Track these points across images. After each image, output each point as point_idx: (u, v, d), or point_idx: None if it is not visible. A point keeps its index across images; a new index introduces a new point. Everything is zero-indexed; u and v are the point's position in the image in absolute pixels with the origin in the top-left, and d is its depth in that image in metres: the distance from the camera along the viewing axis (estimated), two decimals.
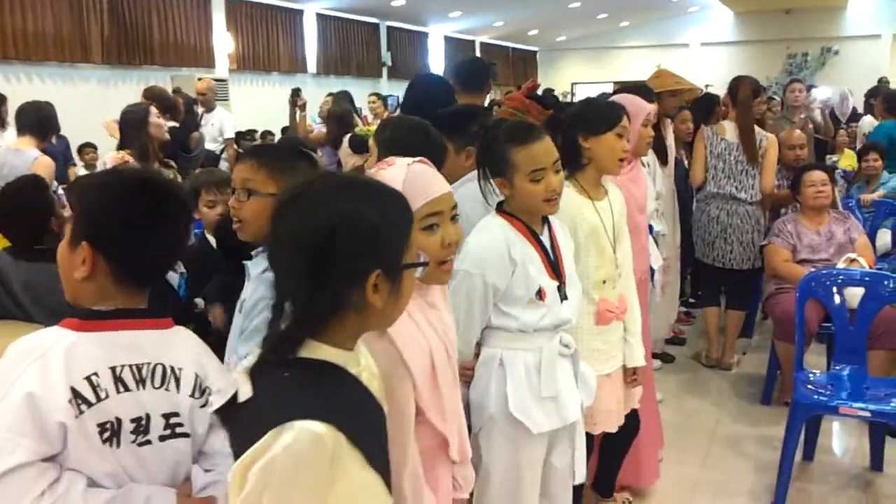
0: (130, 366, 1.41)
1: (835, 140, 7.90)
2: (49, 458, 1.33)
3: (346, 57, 15.01)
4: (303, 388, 1.19)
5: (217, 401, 1.35)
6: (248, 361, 1.25)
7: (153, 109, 4.17)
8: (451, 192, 1.67)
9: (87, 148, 8.32)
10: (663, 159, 4.59)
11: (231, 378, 1.44)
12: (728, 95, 5.02)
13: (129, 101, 4.63)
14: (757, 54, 19.64)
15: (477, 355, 2.22)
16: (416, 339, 1.59)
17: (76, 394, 1.34)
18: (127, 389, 1.40)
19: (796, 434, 3.36)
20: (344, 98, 7.29)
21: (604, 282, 2.61)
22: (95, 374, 1.37)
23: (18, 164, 4.26)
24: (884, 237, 5.62)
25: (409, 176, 1.59)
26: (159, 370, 1.44)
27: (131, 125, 4.09)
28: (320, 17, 14.23)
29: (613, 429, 2.69)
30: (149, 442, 1.42)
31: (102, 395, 1.36)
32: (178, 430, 1.46)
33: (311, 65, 14.09)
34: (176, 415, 1.46)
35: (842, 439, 4.10)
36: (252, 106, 12.23)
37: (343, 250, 1.18)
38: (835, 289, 3.74)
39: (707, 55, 20.27)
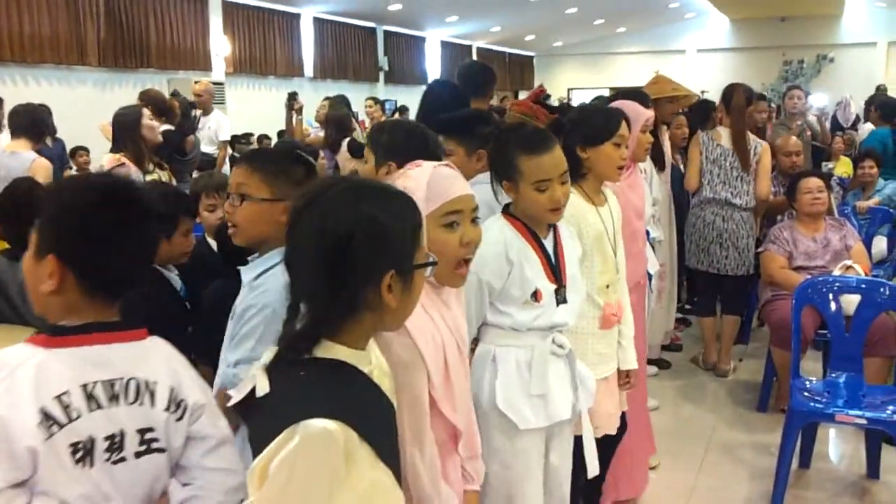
0: (103, 382, 1.36)
1: (831, 147, 7.92)
2: (19, 483, 1.28)
3: (343, 61, 15.01)
4: (317, 387, 1.24)
5: (235, 396, 1.34)
6: (265, 358, 1.31)
7: (146, 112, 4.16)
8: (473, 195, 1.73)
9: (80, 151, 8.29)
10: (660, 165, 4.59)
11: (206, 389, 1.49)
12: (722, 102, 5.04)
13: (126, 105, 4.62)
14: (753, 61, 19.72)
15: (473, 351, 2.25)
16: (431, 334, 1.66)
17: (46, 415, 1.29)
18: (100, 407, 1.35)
19: (793, 441, 3.36)
20: (341, 102, 7.29)
21: (607, 286, 2.64)
22: (66, 392, 1.32)
23: (15, 167, 4.25)
24: (879, 244, 5.64)
25: (433, 176, 1.67)
26: (133, 385, 1.40)
27: (124, 127, 4.08)
28: (317, 21, 14.24)
29: (613, 431, 2.70)
30: (123, 459, 1.38)
31: (74, 414, 1.32)
32: (154, 445, 1.43)
33: (308, 69, 14.09)
34: (151, 430, 1.42)
35: (838, 447, 4.10)
36: (248, 109, 12.21)
37: (360, 252, 1.24)
38: (831, 296, 3.75)
39: (703, 61, 20.34)
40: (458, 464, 1.82)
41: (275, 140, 10.49)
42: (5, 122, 5.24)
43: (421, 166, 1.72)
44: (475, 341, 2.26)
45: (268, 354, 1.31)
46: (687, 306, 5.89)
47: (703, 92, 13.18)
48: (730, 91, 4.95)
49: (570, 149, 2.62)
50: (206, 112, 7.01)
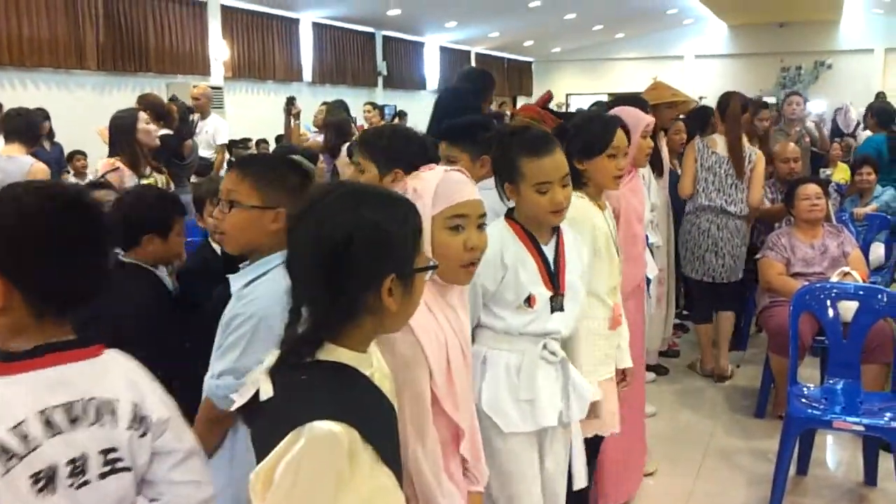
0: (61, 405, 1.29)
1: (829, 153, 7.94)
2: None
3: (342, 66, 15.03)
4: (320, 389, 1.25)
5: (238, 399, 1.32)
6: (268, 362, 1.31)
7: (142, 115, 4.14)
8: (481, 202, 1.75)
9: (77, 155, 8.29)
10: (658, 171, 4.60)
11: (169, 402, 1.45)
12: (717, 110, 5.06)
13: (124, 108, 4.61)
14: (751, 67, 19.78)
15: None
16: (434, 332, 1.68)
17: (3, 449, 1.22)
18: (59, 432, 1.28)
19: (790, 448, 3.36)
20: (340, 107, 7.29)
21: (613, 288, 2.72)
22: (23, 422, 1.24)
23: (13, 171, 4.23)
24: (877, 250, 5.64)
25: (443, 180, 1.71)
26: (93, 406, 1.33)
27: (120, 131, 4.07)
28: (316, 25, 14.26)
29: (617, 429, 2.72)
30: (87, 482, 1.32)
31: (33, 444, 1.25)
32: (118, 465, 1.37)
33: (307, 73, 14.10)
34: (114, 450, 1.35)
35: (836, 453, 4.10)
36: (247, 114, 12.22)
37: (359, 257, 1.26)
38: (829, 302, 3.75)
39: (701, 67, 20.39)
40: (461, 464, 1.82)
41: (273, 145, 10.49)
42: None
43: (433, 169, 1.76)
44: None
45: (270, 359, 1.32)
46: (684, 312, 5.89)
47: (701, 98, 13.21)
48: (725, 99, 4.97)
49: (569, 158, 2.66)
50: (204, 116, 7.01)
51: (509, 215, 2.28)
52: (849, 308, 3.70)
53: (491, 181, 2.35)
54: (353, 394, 1.29)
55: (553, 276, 2.23)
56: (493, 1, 14.45)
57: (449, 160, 2.64)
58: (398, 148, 2.25)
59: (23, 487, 1.24)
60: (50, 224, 1.29)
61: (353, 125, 6.99)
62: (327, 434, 1.17)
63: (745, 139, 4.94)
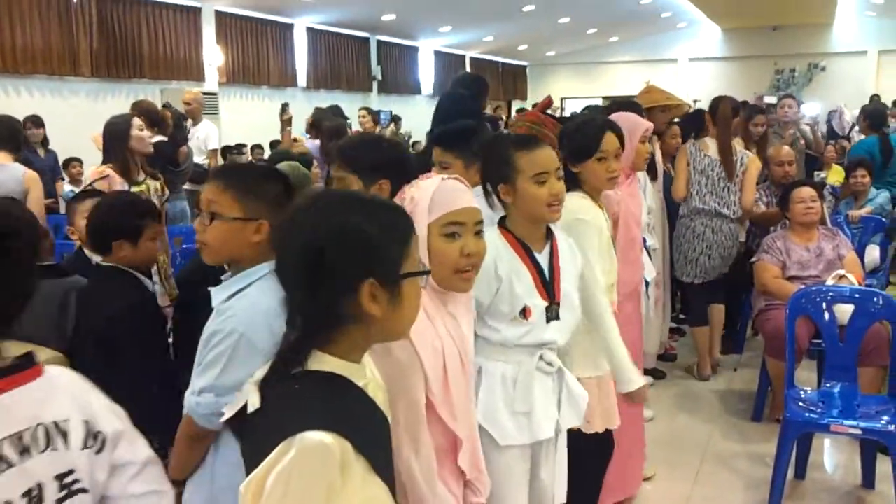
0: (9, 437, 1.22)
1: (823, 156, 7.96)
2: None
3: (337, 71, 15.04)
4: (312, 400, 1.24)
5: (228, 411, 1.30)
6: (260, 373, 1.30)
7: (136, 121, 4.11)
8: (478, 209, 1.76)
9: (73, 162, 8.26)
10: (653, 174, 4.61)
11: (121, 413, 1.40)
12: (709, 113, 5.10)
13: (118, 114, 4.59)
14: (745, 70, 19.84)
15: None
16: (431, 339, 1.68)
17: None
18: (11, 465, 1.21)
19: (788, 451, 3.36)
20: (336, 112, 7.28)
21: (611, 285, 2.77)
22: None
23: (6, 180, 4.22)
24: (872, 253, 5.65)
25: (440, 188, 1.72)
26: (41, 432, 1.26)
27: (114, 137, 4.03)
28: (310, 31, 14.27)
29: (615, 425, 2.74)
30: None
31: None
32: (76, 487, 1.31)
33: (302, 79, 14.11)
34: (70, 473, 1.30)
35: (833, 456, 4.10)
36: (242, 120, 12.23)
37: (333, 262, 1.24)
38: (824, 305, 3.75)
39: (695, 70, 20.45)
40: (459, 477, 1.81)
41: (268, 151, 10.49)
42: None
43: (431, 178, 1.77)
44: None
45: (262, 369, 1.31)
46: (681, 316, 5.89)
47: (695, 101, 13.26)
48: (716, 103, 5.06)
49: (564, 161, 2.76)
50: (195, 122, 7.01)
51: (501, 224, 2.25)
52: (845, 311, 3.70)
53: None
54: (345, 404, 1.27)
55: (548, 285, 2.21)
56: (487, 5, 14.48)
57: (442, 166, 2.64)
58: (378, 158, 2.23)
59: None
60: None
61: (349, 129, 6.98)
62: (318, 445, 1.16)
63: (737, 142, 5.00)
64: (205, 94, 10.56)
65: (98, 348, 2.45)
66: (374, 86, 16.24)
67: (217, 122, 10.99)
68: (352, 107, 10.16)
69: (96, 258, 2.79)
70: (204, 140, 7.02)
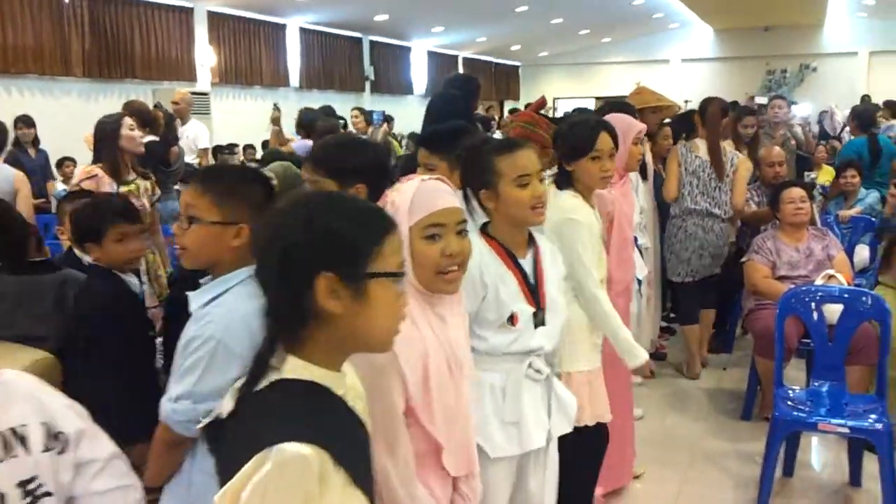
0: None
1: (814, 156, 7.99)
2: None
3: (329, 71, 15.02)
4: (289, 409, 1.20)
5: (205, 421, 1.27)
6: (238, 383, 1.27)
7: (127, 121, 4.09)
8: (460, 209, 1.75)
9: (67, 161, 8.26)
10: (644, 175, 4.64)
11: (81, 411, 1.38)
12: (699, 115, 5.14)
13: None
14: (736, 70, 19.90)
15: None
16: (413, 342, 1.64)
17: None
18: None
19: (776, 450, 3.38)
20: (328, 113, 7.28)
21: (601, 280, 2.82)
22: None
23: None
24: (862, 252, 5.68)
25: (419, 189, 1.70)
26: None
27: (105, 136, 4.02)
28: (303, 31, 14.25)
29: (608, 418, 2.77)
30: None
31: None
32: (40, 492, 1.31)
33: (294, 79, 14.09)
34: (33, 479, 1.29)
35: (821, 455, 4.13)
36: (234, 120, 12.20)
37: (296, 254, 1.22)
38: (814, 305, 3.77)
39: (688, 71, 20.50)
40: (446, 481, 1.78)
41: (260, 151, 10.48)
42: None
43: (412, 179, 1.74)
44: None
45: (243, 377, 1.28)
46: (671, 315, 5.91)
47: (686, 101, 13.29)
48: (705, 104, 5.11)
49: (559, 160, 2.88)
50: (184, 121, 7.01)
51: (483, 230, 2.22)
52: (834, 311, 3.73)
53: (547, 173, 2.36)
54: (324, 414, 1.23)
55: (534, 290, 2.19)
56: (479, 6, 14.49)
57: (427, 168, 2.64)
58: (354, 161, 2.19)
59: None
60: None
61: (342, 130, 6.99)
62: (296, 456, 1.12)
63: (726, 143, 5.04)
64: (197, 94, 10.58)
65: (76, 346, 2.47)
66: (367, 86, 16.23)
67: (209, 122, 10.98)
68: (344, 107, 10.16)
69: (86, 258, 2.80)
70: (193, 139, 7.03)
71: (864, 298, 3.74)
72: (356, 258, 1.24)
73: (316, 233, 1.23)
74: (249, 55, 13.00)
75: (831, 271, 4.23)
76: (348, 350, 1.32)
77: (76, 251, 3.08)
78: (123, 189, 3.95)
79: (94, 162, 4.05)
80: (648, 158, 4.86)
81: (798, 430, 3.60)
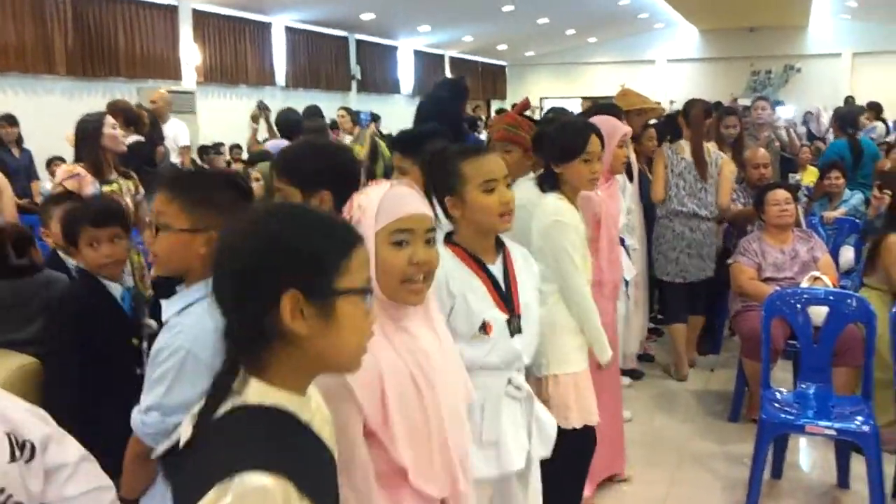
0: None
1: (799, 157, 8.03)
2: None
3: (315, 70, 14.96)
4: (251, 436, 1.12)
5: (159, 450, 1.22)
6: (196, 408, 1.19)
7: (109, 119, 4.04)
8: (429, 216, 1.65)
9: (55, 160, 8.15)
10: (630, 176, 4.67)
11: (45, 416, 1.34)
12: (682, 116, 5.18)
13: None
14: (721, 71, 20.02)
15: None
16: (365, 360, 1.50)
17: None
18: None
19: (764, 452, 3.39)
20: (314, 112, 7.24)
21: (587, 282, 2.84)
22: None
23: None
24: (846, 254, 5.71)
25: (387, 194, 1.61)
26: None
27: (87, 135, 3.97)
28: (289, 29, 14.19)
29: (594, 421, 2.76)
30: None
31: None
32: (10, 503, 1.28)
33: (280, 77, 14.03)
34: (2, 490, 1.25)
35: (809, 456, 4.14)
36: (220, 119, 12.12)
37: (256, 272, 1.14)
38: (799, 307, 3.79)
39: (673, 71, 20.59)
40: (425, 499, 1.64)
41: (246, 151, 10.41)
42: None
43: (381, 185, 1.65)
44: None
45: (202, 401, 1.19)
46: (659, 316, 5.93)
47: (671, 102, 13.36)
48: (689, 106, 5.17)
49: (546, 163, 2.88)
50: (163, 120, 6.96)
51: (448, 239, 2.14)
52: (819, 313, 3.75)
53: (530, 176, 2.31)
54: (288, 441, 1.15)
55: (506, 297, 2.12)
56: (466, 6, 14.49)
57: (401, 171, 2.61)
58: (317, 166, 2.08)
59: None
60: None
61: (329, 131, 6.96)
62: (258, 488, 1.03)
63: (710, 144, 5.08)
64: (182, 93, 10.51)
65: (52, 351, 2.46)
66: (354, 85, 16.18)
67: (194, 121, 10.91)
68: (331, 106, 10.12)
69: (70, 261, 2.77)
70: (174, 139, 7.00)
71: (849, 301, 3.76)
72: (323, 275, 1.16)
73: (279, 248, 1.15)
74: (235, 53, 12.92)
75: (817, 273, 4.25)
76: (314, 372, 1.24)
77: (60, 254, 3.05)
78: (106, 189, 3.91)
79: (76, 161, 4.00)
80: (633, 159, 4.88)
81: (786, 432, 3.62)
